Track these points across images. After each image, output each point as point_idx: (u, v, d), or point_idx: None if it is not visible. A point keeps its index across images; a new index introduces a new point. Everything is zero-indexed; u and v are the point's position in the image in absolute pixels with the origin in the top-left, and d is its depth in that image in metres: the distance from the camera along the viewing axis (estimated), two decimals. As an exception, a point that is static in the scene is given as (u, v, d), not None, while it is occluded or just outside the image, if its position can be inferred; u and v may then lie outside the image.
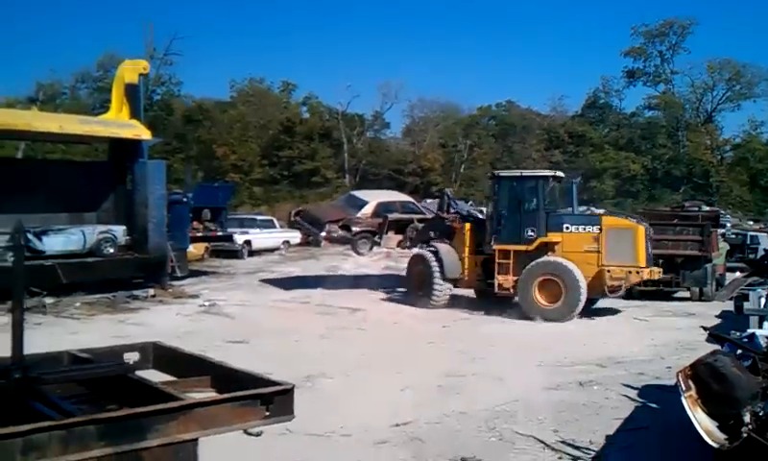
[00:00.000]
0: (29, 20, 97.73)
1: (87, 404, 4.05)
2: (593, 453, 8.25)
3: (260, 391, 3.88)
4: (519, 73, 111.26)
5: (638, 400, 10.59)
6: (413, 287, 20.61)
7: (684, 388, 5.61)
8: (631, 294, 20.47)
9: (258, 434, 4.00)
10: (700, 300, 21.80)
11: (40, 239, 20.52)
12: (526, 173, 20.81)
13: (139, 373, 4.48)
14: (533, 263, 18.46)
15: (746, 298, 13.44)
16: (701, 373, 5.86)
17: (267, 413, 3.85)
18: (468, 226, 20.21)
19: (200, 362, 4.68)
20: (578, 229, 18.70)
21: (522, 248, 18.73)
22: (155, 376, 4.49)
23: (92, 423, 3.30)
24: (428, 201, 23.88)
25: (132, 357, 4.86)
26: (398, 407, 10.11)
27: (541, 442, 8.64)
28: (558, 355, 13.68)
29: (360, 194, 27.55)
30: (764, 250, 29.71)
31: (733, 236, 32.15)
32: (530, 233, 18.75)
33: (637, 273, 18.33)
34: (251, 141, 63.54)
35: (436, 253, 19.71)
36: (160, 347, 5.02)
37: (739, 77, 69.81)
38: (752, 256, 29.62)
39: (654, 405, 10.27)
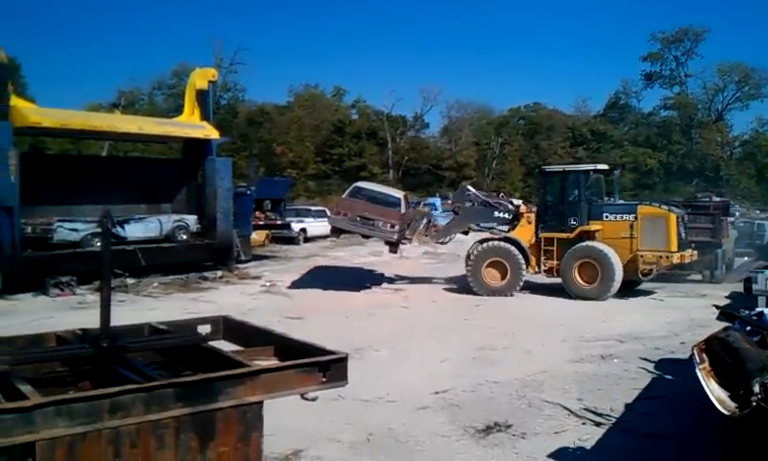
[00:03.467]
0: (112, 34, 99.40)
1: (165, 370, 4.08)
2: (614, 419, 8.16)
3: (318, 359, 3.88)
4: (546, 77, 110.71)
5: (655, 372, 10.46)
6: (483, 279, 18.87)
7: (698, 361, 5.50)
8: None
9: (314, 399, 4.00)
10: (711, 282, 21.40)
11: (123, 227, 20.84)
12: (569, 168, 20.60)
13: (211, 343, 4.52)
14: (573, 248, 18.49)
15: (754, 280, 13.19)
16: (714, 347, 5.75)
17: (324, 379, 3.86)
18: (532, 216, 19.71)
19: (264, 334, 4.70)
20: (616, 217, 18.65)
21: (564, 235, 18.74)
22: (224, 346, 4.52)
23: (171, 386, 3.34)
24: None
25: (204, 329, 4.90)
26: (438, 377, 10.11)
27: (567, 409, 8.56)
28: (581, 332, 13.53)
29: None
30: None
31: (742, 225, 31.72)
32: (573, 222, 18.74)
33: (667, 258, 18.10)
34: (306, 140, 63.77)
35: (518, 244, 18.97)
36: (229, 320, 5.05)
37: (748, 79, 68.91)
38: (758, 243, 29.16)
39: (669, 377, 10.13)
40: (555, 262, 18.85)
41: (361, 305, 16.87)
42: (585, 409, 8.53)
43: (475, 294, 18.63)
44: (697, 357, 5.56)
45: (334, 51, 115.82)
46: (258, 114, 63.93)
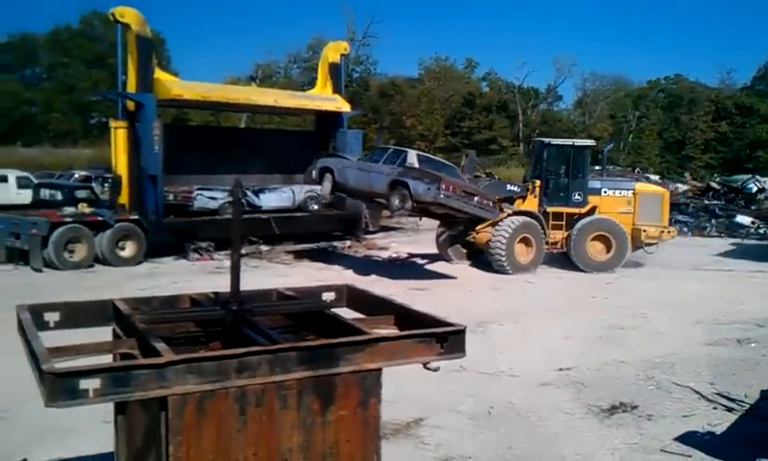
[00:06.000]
0: (250, 8, 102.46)
1: (290, 334, 4.20)
2: (748, 406, 7.79)
3: (436, 330, 3.89)
4: (689, 48, 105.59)
5: (796, 358, 9.89)
6: (516, 254, 17.78)
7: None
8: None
9: (436, 369, 4.01)
10: None
11: (258, 196, 21.55)
12: (578, 143, 20.17)
13: (334, 310, 4.62)
14: (586, 221, 18.55)
15: None
16: None
17: (441, 350, 3.85)
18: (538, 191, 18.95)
19: (385, 303, 4.75)
20: (614, 193, 19.13)
21: (576, 210, 18.71)
22: (347, 313, 4.60)
23: (295, 349, 3.43)
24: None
25: (328, 296, 5.01)
26: (562, 354, 9.97)
27: (697, 392, 8.26)
28: (716, 314, 12.93)
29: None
30: None
31: None
32: (577, 197, 18.72)
33: (668, 232, 19.31)
34: (435, 113, 63.63)
35: (539, 218, 18.35)
36: (353, 289, 5.13)
37: None
38: None
39: (812, 365, 9.56)
40: (563, 236, 18.57)
41: (487, 279, 16.78)
42: (716, 394, 8.19)
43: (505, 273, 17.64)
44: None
45: (465, 23, 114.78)
46: (389, 87, 64.23)
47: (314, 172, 18.39)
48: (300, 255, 20.31)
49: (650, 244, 19.08)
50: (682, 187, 47.86)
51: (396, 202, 15.48)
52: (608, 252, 18.51)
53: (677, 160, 67.96)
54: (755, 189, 36.32)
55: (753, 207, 32.65)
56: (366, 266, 18.69)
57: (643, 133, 69.93)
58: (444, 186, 14.74)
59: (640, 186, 20.15)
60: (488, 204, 16.06)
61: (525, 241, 18.03)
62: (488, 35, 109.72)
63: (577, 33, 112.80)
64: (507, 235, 17.56)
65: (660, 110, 71.88)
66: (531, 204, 18.56)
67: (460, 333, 3.91)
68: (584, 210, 18.69)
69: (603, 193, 18.99)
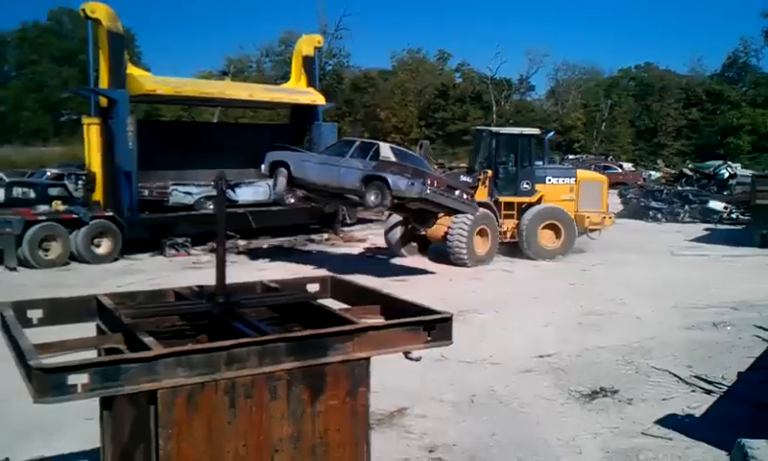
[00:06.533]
0: (220, 3, 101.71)
1: (277, 326, 4.21)
2: (726, 388, 7.92)
3: (424, 318, 3.91)
4: (659, 36, 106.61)
5: (771, 340, 10.05)
6: (474, 246, 17.25)
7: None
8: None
9: (418, 359, 4.05)
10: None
11: (234, 190, 21.43)
12: (525, 131, 19.98)
13: (319, 301, 4.62)
14: (536, 211, 18.45)
15: None
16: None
17: (429, 338, 3.88)
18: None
19: (370, 293, 4.77)
20: (558, 181, 19.20)
21: (527, 199, 18.63)
22: (331, 304, 4.61)
23: (283, 340, 3.44)
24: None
25: (312, 288, 5.01)
26: (542, 341, 10.06)
27: (676, 376, 8.37)
28: (692, 299, 13.09)
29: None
30: None
31: None
32: (525, 186, 18.61)
33: (610, 218, 19.82)
34: (409, 105, 63.79)
35: (494, 210, 18.07)
36: (336, 279, 5.14)
37: None
38: None
39: (786, 346, 9.71)
40: (514, 225, 18.48)
41: (464, 269, 16.82)
42: (695, 377, 8.32)
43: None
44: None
45: (437, 15, 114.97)
46: (362, 80, 64.20)
47: (263, 166, 17.36)
48: (277, 249, 20.25)
49: (593, 230, 19.36)
50: (655, 174, 48.40)
51: (371, 198, 14.84)
52: (557, 240, 18.56)
53: (649, 148, 68.73)
54: (726, 175, 36.81)
55: (725, 193, 33.05)
56: (344, 259, 18.72)
57: (616, 121, 70.58)
58: (429, 182, 14.31)
59: (582, 173, 20.44)
60: (468, 198, 15.69)
61: (481, 233, 17.54)
62: (459, 26, 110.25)
63: (549, 22, 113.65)
64: (467, 228, 16.93)
65: (631, 99, 72.59)
66: (481, 194, 17.92)
67: (447, 321, 3.94)
68: (533, 199, 18.65)
69: (548, 181, 19.01)
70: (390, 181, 14.49)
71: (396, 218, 18.30)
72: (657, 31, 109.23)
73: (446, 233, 17.29)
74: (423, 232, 18.11)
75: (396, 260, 18.18)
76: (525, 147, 18.92)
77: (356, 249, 20.94)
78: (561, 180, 19.26)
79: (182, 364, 3.16)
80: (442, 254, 17.71)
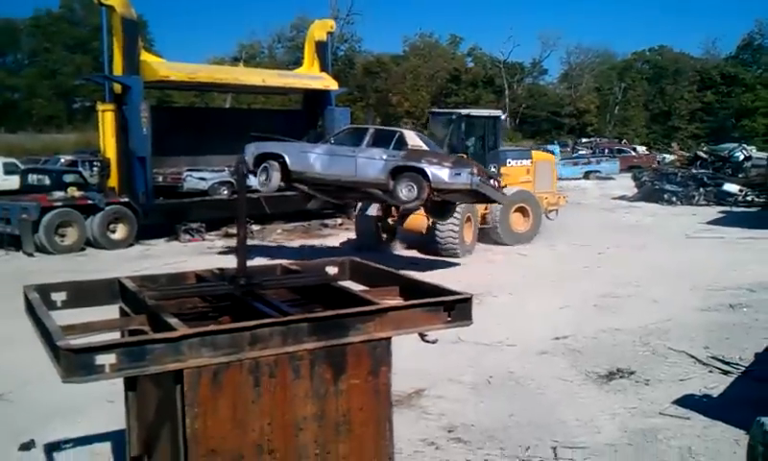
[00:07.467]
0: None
1: (298, 307, 4.24)
2: (743, 369, 7.90)
3: (444, 299, 3.93)
4: (673, 19, 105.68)
5: (789, 322, 10.00)
6: (463, 236, 16.44)
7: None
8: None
9: (434, 341, 4.06)
10: None
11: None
12: (492, 113, 19.42)
13: (339, 283, 4.65)
14: (509, 194, 16.92)
15: None
16: None
17: (449, 318, 3.90)
18: None
19: (389, 274, 4.79)
20: (517, 162, 19.00)
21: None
22: (351, 286, 4.63)
23: (306, 321, 3.46)
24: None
25: (331, 270, 5.04)
26: (558, 323, 10.06)
27: (693, 357, 8.36)
28: (709, 280, 13.03)
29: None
30: None
31: None
32: (493, 169, 16.93)
33: (565, 198, 20.34)
34: (421, 90, 63.63)
35: None
36: (355, 262, 5.17)
37: None
38: None
39: (804, 327, 9.67)
40: (484, 210, 17.65)
41: (480, 252, 16.83)
42: (712, 358, 8.29)
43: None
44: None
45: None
46: (375, 65, 64.12)
47: (247, 159, 15.18)
48: (292, 234, 20.30)
49: (551, 210, 19.41)
50: (669, 157, 48.13)
51: (403, 191, 13.08)
52: (526, 222, 18.43)
53: (663, 131, 68.35)
54: (741, 157, 36.55)
55: (740, 176, 32.87)
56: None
57: (629, 104, 70.18)
58: (476, 171, 12.86)
59: (536, 154, 20.32)
60: (499, 186, 14.48)
61: (467, 220, 16.56)
62: (472, 10, 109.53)
63: (562, 5, 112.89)
64: (459, 218, 15.79)
65: (645, 82, 72.20)
66: None
67: (467, 301, 3.96)
68: (503, 183, 17.20)
69: (508, 163, 18.57)
70: (429, 172, 12.86)
71: (373, 207, 16.96)
72: (671, 13, 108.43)
73: (433, 225, 16.05)
74: (393, 221, 16.92)
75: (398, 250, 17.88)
76: (491, 129, 18.37)
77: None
78: (519, 162, 19.03)
79: (207, 344, 3.19)
80: (421, 244, 16.85)
